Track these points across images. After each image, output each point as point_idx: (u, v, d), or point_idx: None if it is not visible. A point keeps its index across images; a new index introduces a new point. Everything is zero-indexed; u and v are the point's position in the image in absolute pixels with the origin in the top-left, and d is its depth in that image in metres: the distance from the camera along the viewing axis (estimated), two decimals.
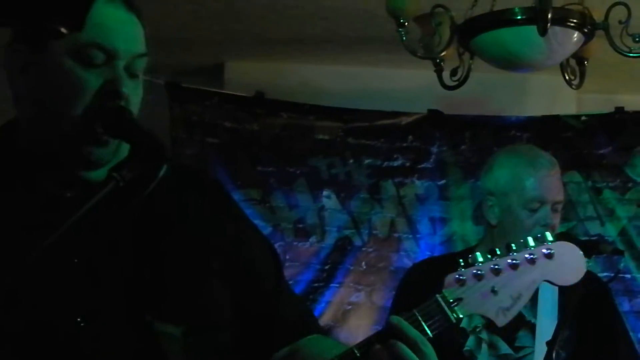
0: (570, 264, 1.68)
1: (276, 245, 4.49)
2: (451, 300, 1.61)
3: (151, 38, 1.59)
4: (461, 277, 1.63)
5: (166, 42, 4.36)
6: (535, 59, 2.90)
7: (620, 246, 4.37)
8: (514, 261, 1.64)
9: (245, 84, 4.75)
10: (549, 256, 1.65)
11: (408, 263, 4.54)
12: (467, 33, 2.93)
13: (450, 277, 1.63)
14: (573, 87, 3.13)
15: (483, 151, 4.53)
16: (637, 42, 2.80)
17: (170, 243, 1.61)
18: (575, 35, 2.86)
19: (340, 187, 4.68)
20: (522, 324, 2.71)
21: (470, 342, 2.71)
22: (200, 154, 4.56)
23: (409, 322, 1.58)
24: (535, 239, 1.66)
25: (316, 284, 4.60)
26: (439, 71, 3.02)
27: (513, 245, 1.66)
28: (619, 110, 4.65)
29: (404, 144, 4.72)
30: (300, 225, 4.63)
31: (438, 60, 2.98)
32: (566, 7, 2.89)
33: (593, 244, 2.72)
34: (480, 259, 1.64)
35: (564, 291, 2.64)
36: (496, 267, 1.64)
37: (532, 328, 2.71)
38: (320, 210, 4.66)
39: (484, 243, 2.86)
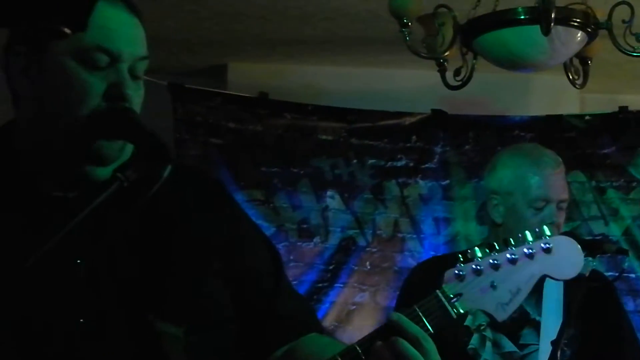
0: (569, 258, 1.68)
1: (280, 246, 4.52)
2: (451, 296, 1.62)
3: (155, 39, 1.60)
4: (460, 273, 1.63)
5: (169, 43, 4.37)
6: (539, 59, 2.90)
7: (625, 246, 4.37)
8: (513, 256, 1.65)
9: (248, 84, 4.76)
10: (547, 250, 1.66)
11: (412, 263, 4.54)
12: (470, 33, 2.93)
13: (450, 273, 1.64)
14: (576, 86, 3.13)
15: (487, 151, 4.52)
16: None
17: (172, 243, 1.61)
18: (579, 34, 2.86)
19: (343, 187, 4.68)
20: (527, 321, 2.71)
21: (474, 340, 2.71)
22: (203, 154, 4.56)
23: (410, 318, 1.59)
24: (533, 234, 1.67)
25: (320, 285, 4.60)
26: (442, 71, 3.02)
27: (511, 240, 1.66)
28: (623, 109, 4.65)
29: (408, 144, 4.72)
30: (304, 226, 4.64)
31: (441, 60, 2.98)
32: (569, 6, 2.89)
33: (597, 243, 2.72)
34: (479, 254, 1.65)
35: (569, 289, 2.64)
36: (495, 262, 1.64)
37: (537, 326, 2.71)
38: (324, 210, 4.66)
39: (488, 242, 2.86)
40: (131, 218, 1.54)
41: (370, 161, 4.70)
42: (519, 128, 4.70)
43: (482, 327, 2.71)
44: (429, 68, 3.16)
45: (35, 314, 1.50)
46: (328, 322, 4.52)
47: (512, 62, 2.97)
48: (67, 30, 1.22)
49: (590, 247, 2.55)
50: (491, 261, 1.64)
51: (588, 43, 2.93)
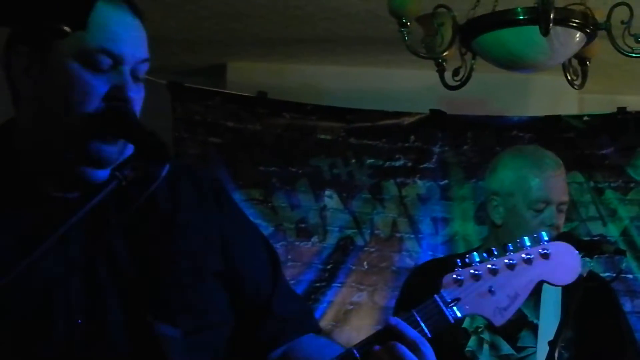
0: (567, 263, 1.69)
1: (278, 245, 4.52)
2: (449, 301, 1.62)
3: (154, 38, 1.60)
4: (459, 278, 1.64)
5: (169, 43, 4.37)
6: (538, 60, 2.91)
7: (623, 246, 4.37)
8: (511, 261, 1.66)
9: (248, 84, 4.75)
10: (545, 256, 1.67)
11: (410, 263, 4.54)
12: (469, 33, 2.93)
13: (448, 278, 1.64)
14: (575, 87, 3.13)
15: (485, 151, 4.54)
16: (639, 42, 2.80)
17: (171, 243, 1.61)
18: (578, 35, 2.86)
19: (342, 187, 4.68)
20: (525, 324, 2.72)
21: (471, 342, 2.71)
22: (202, 153, 4.56)
23: (408, 322, 1.59)
24: (531, 239, 1.67)
25: (318, 284, 4.60)
26: (441, 71, 3.02)
27: (510, 245, 1.67)
28: (621, 110, 4.65)
29: (406, 144, 4.72)
30: (302, 225, 4.64)
31: (440, 60, 2.98)
32: (568, 7, 2.89)
33: (595, 244, 2.72)
34: (478, 259, 1.65)
35: (566, 291, 2.64)
36: (493, 267, 1.65)
37: (534, 328, 2.71)
38: (322, 210, 4.66)
39: (487, 243, 2.86)
40: (130, 217, 1.54)
41: (369, 161, 4.70)
42: (518, 128, 4.70)
43: (479, 330, 2.71)
44: (427, 68, 3.16)
45: (34, 314, 1.50)
46: (326, 321, 4.52)
47: (511, 63, 2.97)
48: (67, 29, 1.22)
49: (588, 248, 2.56)
50: (489, 266, 1.65)
51: (587, 44, 2.93)
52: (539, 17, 2.72)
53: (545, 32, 2.72)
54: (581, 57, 3.08)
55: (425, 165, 4.72)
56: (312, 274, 4.60)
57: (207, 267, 1.64)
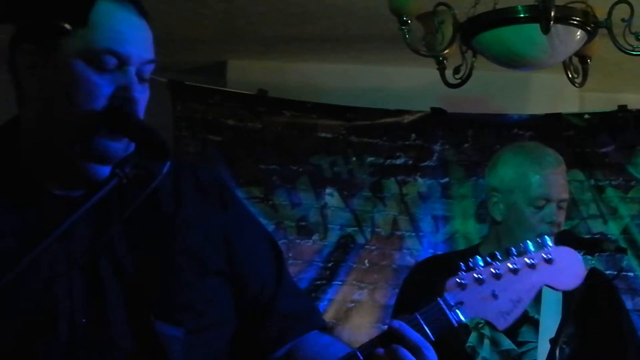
0: (570, 268, 1.70)
1: (279, 244, 4.50)
2: (452, 304, 1.63)
3: (155, 37, 1.59)
4: (462, 281, 1.64)
5: (169, 41, 4.37)
6: (538, 58, 2.91)
7: (623, 244, 4.37)
8: (514, 266, 1.66)
9: (248, 82, 4.76)
10: (548, 261, 1.67)
11: (411, 261, 4.55)
12: (470, 31, 2.93)
13: (452, 281, 1.65)
14: (576, 85, 3.13)
15: (486, 149, 4.54)
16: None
17: (173, 242, 1.61)
18: (578, 33, 2.86)
19: (342, 185, 4.68)
20: (526, 320, 2.72)
21: (472, 338, 2.72)
22: (202, 151, 4.56)
23: (411, 325, 1.60)
24: (535, 244, 1.68)
25: (319, 282, 4.60)
26: (441, 69, 3.02)
27: (513, 249, 1.67)
28: (622, 108, 4.65)
29: (407, 142, 4.72)
30: (303, 223, 4.64)
31: (441, 59, 2.98)
32: (569, 5, 2.89)
33: (596, 242, 2.72)
34: (481, 263, 1.66)
35: None
36: (497, 271, 1.66)
37: (535, 324, 2.71)
38: (323, 208, 4.66)
39: (488, 240, 2.87)
40: (132, 216, 1.54)
41: (369, 159, 4.70)
42: (518, 126, 4.70)
43: (480, 325, 2.72)
44: (428, 66, 3.16)
45: (38, 313, 1.50)
46: (326, 319, 4.52)
47: (512, 61, 2.97)
48: (67, 26, 1.23)
49: (589, 246, 2.56)
50: (493, 270, 1.65)
51: (587, 42, 2.93)
52: (539, 15, 2.72)
53: (546, 30, 2.72)
54: (582, 55, 3.08)
55: (425, 163, 4.72)
56: (313, 272, 4.61)
57: (210, 265, 1.64)
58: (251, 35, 4.50)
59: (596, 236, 4.50)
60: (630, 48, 2.84)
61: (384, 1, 2.92)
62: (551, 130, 4.62)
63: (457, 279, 1.65)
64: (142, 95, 1.54)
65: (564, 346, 2.57)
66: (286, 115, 4.68)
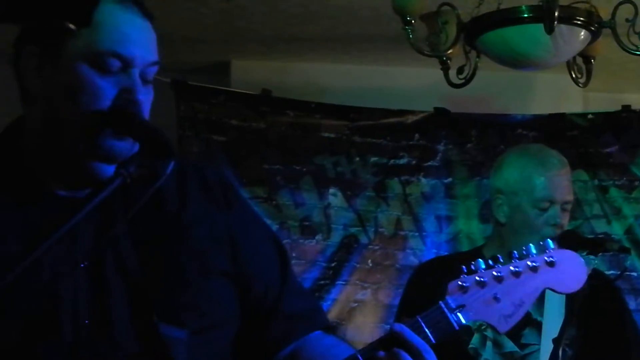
0: (572, 271, 1.70)
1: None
2: (454, 307, 1.63)
3: (158, 37, 1.59)
4: (464, 284, 1.64)
5: (173, 41, 4.37)
6: (542, 58, 2.91)
7: (627, 244, 4.36)
8: (516, 269, 1.66)
9: (252, 82, 4.76)
10: (550, 264, 1.67)
11: (414, 261, 4.54)
12: (474, 31, 2.93)
13: (453, 284, 1.65)
14: (580, 85, 3.13)
15: (489, 149, 4.54)
16: None
17: (177, 242, 1.60)
18: (582, 33, 2.86)
19: (346, 185, 4.68)
20: (528, 321, 2.72)
21: (474, 340, 2.72)
22: (206, 151, 4.56)
23: (413, 329, 1.60)
24: (537, 247, 1.67)
25: (322, 282, 4.60)
26: (445, 69, 3.02)
27: (515, 252, 1.67)
28: (626, 108, 4.65)
29: (410, 142, 4.72)
30: (307, 223, 4.64)
31: (444, 59, 2.98)
32: (573, 5, 2.89)
33: (599, 242, 2.72)
34: (483, 266, 1.66)
35: None
36: (499, 274, 1.66)
37: (538, 326, 2.71)
38: (326, 208, 4.66)
39: (492, 241, 2.86)
40: (136, 216, 1.53)
41: (373, 159, 4.70)
42: (522, 126, 4.69)
43: (482, 327, 2.71)
44: (432, 66, 3.16)
45: (41, 313, 1.50)
46: (330, 319, 4.51)
47: (515, 61, 2.97)
48: (71, 26, 1.23)
49: (593, 246, 2.56)
50: (495, 273, 1.65)
51: (591, 42, 2.93)
52: (543, 15, 2.72)
53: (550, 30, 2.72)
54: (585, 55, 3.07)
55: (429, 163, 4.72)
56: (316, 272, 4.61)
57: (214, 266, 1.63)
58: (253, 35, 4.50)
59: (600, 236, 4.49)
60: (634, 48, 2.84)
61: (387, 1, 2.92)
62: (555, 130, 4.61)
63: (459, 282, 1.65)
64: (146, 98, 1.54)
65: (566, 348, 2.57)
66: (290, 115, 4.68)
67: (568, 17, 2.78)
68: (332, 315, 4.55)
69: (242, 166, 4.58)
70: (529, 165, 2.74)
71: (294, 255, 4.54)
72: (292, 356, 1.73)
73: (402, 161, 4.71)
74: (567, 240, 2.41)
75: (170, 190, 1.61)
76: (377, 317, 4.58)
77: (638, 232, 4.56)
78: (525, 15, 2.80)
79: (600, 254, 2.52)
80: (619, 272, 3.17)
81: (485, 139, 4.68)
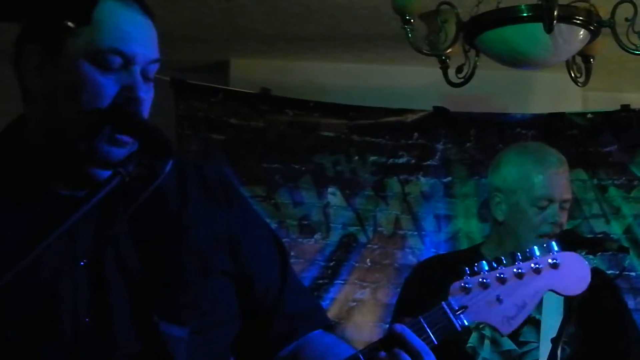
0: (575, 273, 1.70)
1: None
2: (456, 308, 1.63)
3: (158, 35, 1.59)
4: (467, 285, 1.64)
5: (172, 39, 4.37)
6: (541, 57, 2.91)
7: (626, 244, 4.36)
8: (520, 270, 1.66)
9: (251, 80, 4.75)
10: (554, 266, 1.67)
11: (413, 260, 4.54)
12: (473, 30, 2.93)
13: (456, 285, 1.65)
14: (579, 84, 3.13)
15: (488, 149, 4.54)
16: None
17: (177, 241, 1.60)
18: (581, 32, 2.86)
19: (345, 184, 4.68)
20: (527, 320, 2.70)
21: (473, 338, 2.71)
22: (205, 150, 4.56)
23: (415, 329, 1.61)
24: (541, 249, 1.67)
25: (321, 281, 4.60)
26: (444, 68, 3.02)
27: (519, 254, 1.67)
28: (625, 108, 4.65)
29: (409, 141, 4.72)
30: (305, 222, 4.64)
31: (444, 58, 2.98)
32: (572, 4, 2.89)
33: (598, 241, 2.73)
34: (486, 268, 1.65)
35: None
36: (502, 275, 1.66)
37: (536, 324, 2.71)
38: (325, 207, 4.66)
39: (490, 240, 2.86)
40: (136, 215, 1.53)
41: (372, 158, 4.70)
42: (521, 126, 4.70)
43: (481, 326, 2.71)
44: (431, 65, 3.16)
45: (41, 312, 1.50)
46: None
47: (515, 60, 2.97)
48: (71, 24, 1.22)
49: (592, 245, 2.56)
50: (498, 275, 1.65)
51: (591, 41, 2.93)
52: (542, 14, 2.72)
53: (549, 29, 2.72)
54: (585, 55, 3.07)
55: (428, 162, 4.72)
56: (315, 271, 4.61)
57: (215, 265, 1.63)
58: (253, 34, 4.50)
59: (599, 235, 4.49)
60: (634, 47, 2.84)
61: (387, 0, 2.92)
62: (554, 129, 4.62)
63: (462, 283, 1.65)
64: (147, 95, 1.54)
65: (565, 346, 2.56)
66: (289, 114, 4.68)
67: (567, 16, 2.78)
68: (331, 314, 4.55)
69: (240, 165, 4.58)
70: (527, 164, 2.74)
71: (292, 254, 4.54)
72: (292, 355, 1.74)
73: (401, 160, 4.71)
74: (566, 240, 2.40)
75: (171, 189, 1.61)
76: (376, 317, 4.59)
77: (637, 231, 4.56)
78: (525, 14, 2.80)
79: (599, 253, 2.52)
80: (617, 272, 3.17)
81: (485, 138, 4.68)
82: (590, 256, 2.49)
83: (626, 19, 2.82)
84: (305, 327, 1.75)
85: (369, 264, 4.65)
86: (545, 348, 2.56)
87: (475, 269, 1.66)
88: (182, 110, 4.57)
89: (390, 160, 4.71)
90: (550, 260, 1.67)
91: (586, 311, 2.56)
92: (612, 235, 4.52)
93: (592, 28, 2.85)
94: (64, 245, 1.50)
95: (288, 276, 1.77)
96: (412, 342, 1.58)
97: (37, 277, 1.48)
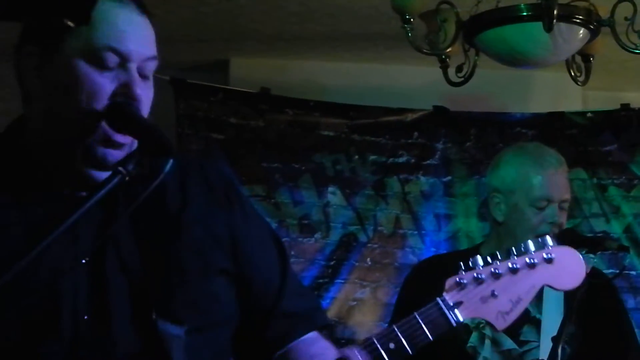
0: (570, 268, 1.69)
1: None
2: (451, 304, 1.63)
3: (158, 35, 1.59)
4: (462, 281, 1.64)
5: (172, 39, 4.36)
6: (541, 56, 2.91)
7: (626, 243, 4.37)
8: (514, 265, 1.66)
9: (251, 80, 4.76)
10: (549, 261, 1.67)
11: (413, 259, 4.55)
12: (473, 29, 2.93)
13: (451, 281, 1.65)
14: (578, 83, 3.14)
15: (488, 148, 4.54)
16: None
17: (177, 240, 1.61)
18: (581, 32, 2.86)
19: (345, 183, 4.69)
20: (527, 319, 2.71)
21: (473, 338, 2.71)
22: (205, 149, 4.56)
23: (409, 325, 1.61)
24: (535, 244, 1.67)
25: (321, 280, 4.60)
26: (444, 67, 3.02)
27: (513, 249, 1.67)
28: (625, 107, 4.66)
29: (409, 141, 4.72)
30: (305, 222, 4.64)
31: (443, 57, 2.98)
32: (572, 3, 2.89)
33: (598, 240, 2.72)
34: (481, 263, 1.65)
35: None
36: (496, 271, 1.65)
37: (537, 323, 2.71)
38: (325, 206, 4.66)
39: (489, 240, 2.86)
40: (137, 214, 1.53)
41: (372, 157, 4.70)
42: (521, 125, 4.70)
43: (481, 325, 2.71)
44: (431, 64, 3.16)
45: (42, 309, 1.50)
46: (329, 317, 4.52)
47: (514, 59, 2.97)
48: (70, 24, 1.23)
49: (591, 244, 2.56)
50: (492, 270, 1.65)
51: (590, 40, 2.93)
52: (542, 14, 2.72)
53: (549, 28, 2.72)
54: (584, 54, 3.08)
55: (428, 161, 4.72)
56: (315, 270, 4.61)
57: (214, 264, 1.63)
58: (254, 33, 4.50)
59: (598, 235, 4.50)
60: (633, 46, 2.84)
61: (387, 0, 2.92)
62: (554, 128, 4.62)
63: (457, 279, 1.64)
64: (144, 92, 1.54)
65: (565, 346, 2.56)
66: (289, 113, 4.68)
67: (567, 16, 2.78)
68: (331, 313, 4.56)
69: (240, 164, 4.58)
70: (526, 164, 2.74)
71: (292, 253, 4.54)
72: (283, 356, 1.74)
73: (401, 159, 4.71)
74: (566, 239, 2.40)
75: (172, 188, 1.62)
76: (376, 316, 4.59)
77: (637, 230, 4.56)
78: (524, 14, 2.80)
79: (599, 252, 2.52)
80: (617, 271, 3.17)
81: (484, 138, 4.68)
82: (590, 255, 2.49)
83: (626, 18, 2.82)
84: (303, 327, 1.75)
85: (369, 263, 4.65)
86: (545, 347, 2.57)
87: (470, 264, 1.65)
88: (182, 109, 4.57)
89: (390, 160, 4.71)
90: (545, 255, 1.67)
91: (586, 311, 2.56)
92: (612, 235, 4.53)
93: (591, 27, 2.86)
94: (65, 244, 1.50)
95: (288, 276, 1.77)
96: None
97: (37, 276, 1.48)
